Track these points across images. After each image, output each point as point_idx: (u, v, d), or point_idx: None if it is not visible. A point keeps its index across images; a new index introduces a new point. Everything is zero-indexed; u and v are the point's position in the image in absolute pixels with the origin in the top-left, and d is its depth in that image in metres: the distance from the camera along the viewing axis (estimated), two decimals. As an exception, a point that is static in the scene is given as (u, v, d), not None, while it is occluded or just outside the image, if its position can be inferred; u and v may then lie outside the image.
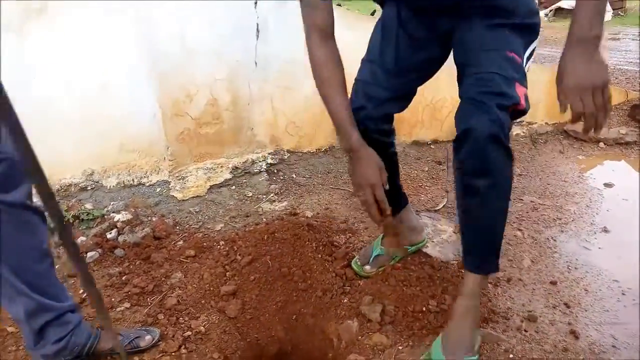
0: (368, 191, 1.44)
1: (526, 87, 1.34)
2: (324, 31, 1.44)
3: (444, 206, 2.36)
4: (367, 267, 1.79)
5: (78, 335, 1.39)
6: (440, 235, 2.11)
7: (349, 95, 1.54)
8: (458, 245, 2.04)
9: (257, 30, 2.58)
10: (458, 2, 1.40)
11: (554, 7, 10.15)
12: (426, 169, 2.77)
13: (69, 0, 2.21)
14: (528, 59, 1.42)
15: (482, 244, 1.39)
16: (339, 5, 3.10)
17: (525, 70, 1.38)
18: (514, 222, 2.22)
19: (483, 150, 1.24)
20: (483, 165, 1.27)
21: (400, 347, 1.51)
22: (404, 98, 1.61)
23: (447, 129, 3.13)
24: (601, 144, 3.10)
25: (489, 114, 1.23)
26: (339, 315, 1.65)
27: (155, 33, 2.39)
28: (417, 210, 2.27)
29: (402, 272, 1.78)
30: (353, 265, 1.82)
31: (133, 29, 2.36)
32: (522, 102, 1.29)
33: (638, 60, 5.12)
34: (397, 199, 1.82)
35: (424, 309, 1.61)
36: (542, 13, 9.69)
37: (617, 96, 3.55)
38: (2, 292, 1.26)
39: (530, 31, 1.42)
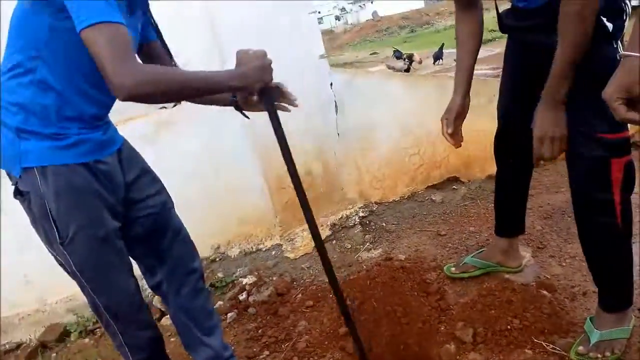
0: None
1: (628, 153, 1.58)
2: (460, 2, 1.92)
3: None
4: (452, 269, 2.25)
5: None
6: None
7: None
8: (536, 268, 2.34)
9: (336, 106, 3.04)
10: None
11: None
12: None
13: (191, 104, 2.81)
14: None
15: None
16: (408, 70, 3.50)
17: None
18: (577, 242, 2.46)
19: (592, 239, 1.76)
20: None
21: (492, 362, 1.83)
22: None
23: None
24: None
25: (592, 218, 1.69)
26: (438, 341, 1.99)
27: (254, 120, 2.91)
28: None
29: (488, 298, 2.10)
30: (445, 268, 2.31)
31: (239, 120, 2.89)
32: (619, 175, 1.58)
33: None
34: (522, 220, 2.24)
35: (508, 327, 1.93)
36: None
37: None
38: (189, 344, 1.79)
39: None
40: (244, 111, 1.65)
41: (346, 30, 31.61)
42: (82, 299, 2.86)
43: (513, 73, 1.95)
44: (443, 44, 11.32)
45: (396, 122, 3.16)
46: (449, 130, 1.97)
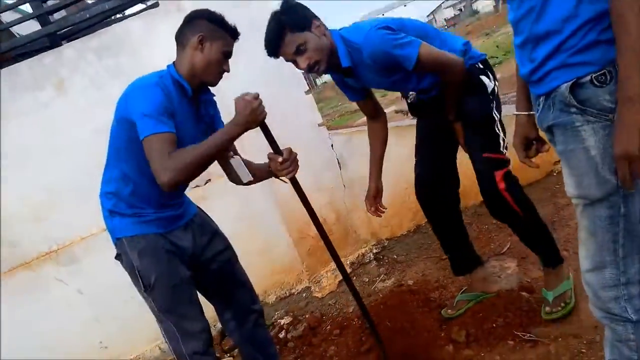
0: None
1: (505, 167, 2.21)
2: (367, 115, 2.62)
3: (508, 248, 3.09)
4: (449, 311, 2.61)
5: None
6: (506, 271, 2.84)
7: None
8: (520, 275, 2.77)
9: (339, 163, 3.59)
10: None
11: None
12: (494, 221, 3.50)
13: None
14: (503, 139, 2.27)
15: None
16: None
17: (504, 151, 2.25)
18: (561, 245, 2.88)
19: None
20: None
21: (482, 354, 2.27)
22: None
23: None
24: None
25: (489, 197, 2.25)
26: (440, 345, 2.43)
27: (274, 185, 3.47)
28: (488, 257, 3.01)
29: (477, 305, 2.55)
30: (442, 312, 2.65)
31: (260, 187, 3.45)
32: (503, 183, 2.19)
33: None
34: (473, 255, 2.66)
35: (494, 325, 2.37)
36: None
37: None
38: None
39: (488, 127, 2.23)
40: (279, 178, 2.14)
41: (356, 76, 32.61)
42: (149, 355, 3.43)
43: (426, 139, 2.54)
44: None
45: (392, 167, 3.65)
46: (372, 209, 2.61)
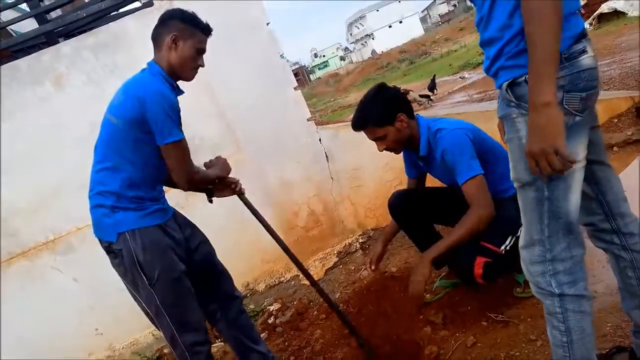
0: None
1: (490, 258, 2.27)
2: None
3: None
4: (428, 296, 2.76)
5: None
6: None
7: None
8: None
9: (327, 157, 3.73)
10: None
11: (595, 14, 10.60)
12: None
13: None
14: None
15: None
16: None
17: (502, 249, 2.30)
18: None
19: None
20: None
21: (457, 334, 2.41)
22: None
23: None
24: (615, 148, 3.80)
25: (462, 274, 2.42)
26: (419, 327, 2.58)
27: (264, 178, 3.62)
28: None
29: (452, 290, 2.70)
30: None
31: (252, 179, 3.60)
32: (480, 270, 2.27)
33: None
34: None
35: (468, 308, 2.52)
36: (585, 24, 10.14)
37: (623, 103, 4.25)
38: (242, 352, 2.42)
39: (505, 229, 2.30)
40: (212, 197, 2.38)
41: (349, 72, 32.76)
42: (143, 341, 3.56)
43: (441, 189, 2.70)
44: (434, 75, 12.03)
45: (377, 161, 3.82)
46: (373, 267, 2.74)
